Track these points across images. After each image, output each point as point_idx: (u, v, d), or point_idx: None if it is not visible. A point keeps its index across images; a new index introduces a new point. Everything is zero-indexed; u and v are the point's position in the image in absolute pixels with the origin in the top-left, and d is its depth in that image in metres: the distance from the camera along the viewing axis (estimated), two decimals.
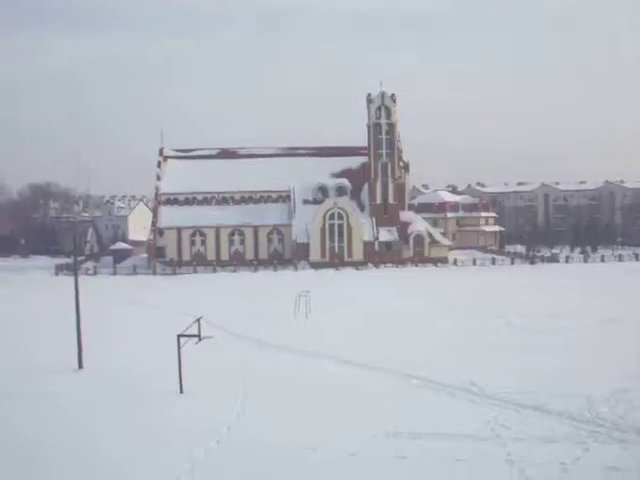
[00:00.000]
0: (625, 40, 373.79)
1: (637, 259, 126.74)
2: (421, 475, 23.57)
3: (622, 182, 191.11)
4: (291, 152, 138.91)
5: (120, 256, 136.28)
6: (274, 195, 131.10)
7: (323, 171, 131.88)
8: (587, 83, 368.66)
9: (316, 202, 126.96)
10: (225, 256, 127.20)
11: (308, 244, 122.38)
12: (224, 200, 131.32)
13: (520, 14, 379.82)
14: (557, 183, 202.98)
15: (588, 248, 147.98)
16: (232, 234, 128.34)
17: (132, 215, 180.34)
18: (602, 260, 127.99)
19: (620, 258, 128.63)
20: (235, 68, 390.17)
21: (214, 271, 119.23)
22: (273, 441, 26.83)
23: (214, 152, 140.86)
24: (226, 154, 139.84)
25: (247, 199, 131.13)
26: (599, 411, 30.35)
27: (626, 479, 23.05)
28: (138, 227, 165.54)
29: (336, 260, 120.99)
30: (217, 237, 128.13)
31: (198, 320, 37.24)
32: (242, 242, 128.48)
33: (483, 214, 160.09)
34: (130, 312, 67.11)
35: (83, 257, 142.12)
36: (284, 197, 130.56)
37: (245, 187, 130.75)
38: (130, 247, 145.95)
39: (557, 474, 23.36)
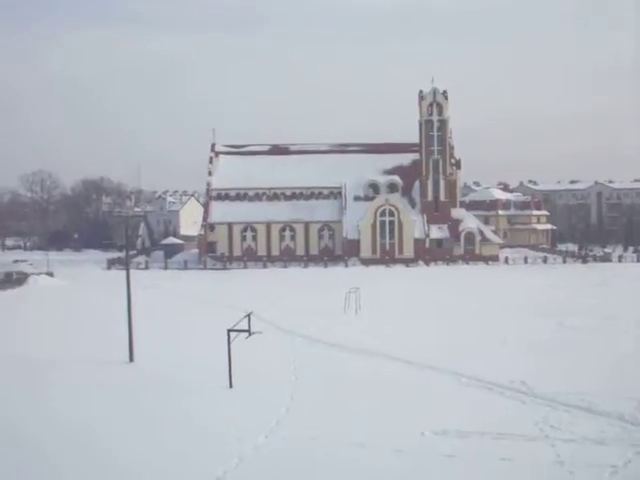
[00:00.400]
0: None
1: None
2: (468, 474, 23.56)
3: None
4: (342, 149, 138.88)
5: (171, 251, 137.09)
6: (325, 191, 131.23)
7: (374, 168, 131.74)
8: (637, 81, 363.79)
9: (367, 199, 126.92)
10: (276, 252, 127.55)
11: (359, 240, 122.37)
12: (275, 196, 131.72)
13: (580, 15, 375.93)
14: (611, 181, 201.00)
15: None
16: (283, 230, 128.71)
17: (183, 210, 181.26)
18: None
19: None
20: (287, 65, 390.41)
21: (264, 266, 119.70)
22: (321, 436, 26.94)
23: (265, 148, 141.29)
24: (277, 150, 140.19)
25: (298, 195, 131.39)
26: None
27: None
28: (189, 222, 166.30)
29: (386, 257, 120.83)
30: (268, 233, 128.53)
31: (248, 315, 37.49)
32: (293, 238, 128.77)
33: (535, 212, 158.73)
34: (181, 307, 67.62)
35: (135, 251, 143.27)
36: (335, 193, 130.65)
37: (296, 183, 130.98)
38: (181, 242, 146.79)
39: (607, 476, 23.23)
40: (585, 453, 25.30)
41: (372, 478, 23.31)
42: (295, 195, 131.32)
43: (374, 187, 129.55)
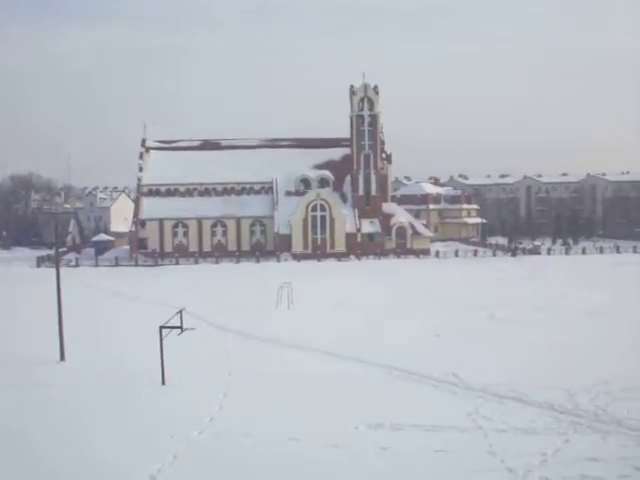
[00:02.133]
0: (607, 36, 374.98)
1: (618, 251, 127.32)
2: (403, 467, 23.73)
3: (604, 175, 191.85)
4: (273, 144, 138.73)
5: (102, 248, 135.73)
6: (256, 187, 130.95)
7: (305, 163, 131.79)
8: (569, 78, 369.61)
9: (298, 194, 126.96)
10: (207, 247, 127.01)
11: (290, 235, 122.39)
12: (206, 191, 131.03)
13: (508, 12, 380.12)
14: (539, 176, 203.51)
15: (569, 240, 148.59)
16: (214, 225, 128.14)
17: (114, 206, 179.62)
18: (583, 252, 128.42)
19: (601, 250, 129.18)
20: (220, 61, 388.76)
21: (196, 262, 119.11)
22: (255, 432, 26.90)
23: (196, 143, 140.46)
24: (208, 145, 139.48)
25: (229, 190, 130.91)
26: (579, 403, 30.63)
27: (605, 469, 23.28)
28: (120, 219, 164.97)
29: (318, 251, 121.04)
30: (199, 228, 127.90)
31: (180, 312, 37.31)
32: (224, 233, 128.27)
33: (465, 206, 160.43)
34: (112, 304, 66.93)
35: (65, 249, 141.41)
36: (266, 189, 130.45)
37: (227, 178, 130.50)
38: (112, 239, 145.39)
39: (537, 464, 23.60)
40: (516, 443, 25.68)
41: (307, 472, 23.34)
42: (226, 190, 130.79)
43: (305, 182, 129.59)
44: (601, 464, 23.67)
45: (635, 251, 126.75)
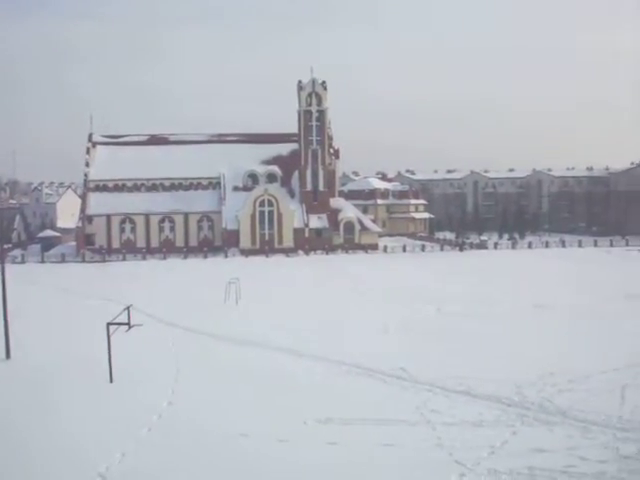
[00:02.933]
0: (550, 29, 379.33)
1: (563, 246, 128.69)
2: (351, 461, 23.83)
3: (549, 170, 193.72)
4: (221, 139, 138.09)
5: (48, 244, 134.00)
6: (204, 182, 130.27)
7: (253, 158, 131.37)
8: (514, 74, 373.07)
9: (246, 189, 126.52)
10: (155, 243, 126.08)
11: (238, 231, 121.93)
12: (154, 187, 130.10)
13: (456, 9, 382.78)
14: (486, 171, 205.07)
15: (516, 235, 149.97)
16: (162, 221, 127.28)
17: (60, 202, 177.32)
18: (529, 247, 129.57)
19: (547, 245, 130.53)
20: (166, 55, 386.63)
21: (144, 258, 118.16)
22: (204, 429, 26.87)
23: (143, 138, 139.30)
24: (156, 140, 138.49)
25: (177, 186, 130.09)
26: (526, 395, 30.98)
27: (551, 460, 23.57)
28: (67, 214, 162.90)
29: (266, 247, 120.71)
30: (147, 224, 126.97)
31: (128, 308, 37.08)
32: (172, 229, 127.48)
33: (413, 201, 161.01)
34: (59, 301, 66.24)
35: (10, 245, 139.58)
36: (214, 184, 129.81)
37: (175, 174, 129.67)
38: (59, 235, 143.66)
39: (486, 456, 23.84)
40: (464, 435, 25.92)
41: (256, 468, 23.34)
42: (174, 186, 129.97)
43: (253, 177, 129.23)
44: (548, 455, 23.98)
45: (580, 245, 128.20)
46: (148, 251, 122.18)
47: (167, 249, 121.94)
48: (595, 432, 26.41)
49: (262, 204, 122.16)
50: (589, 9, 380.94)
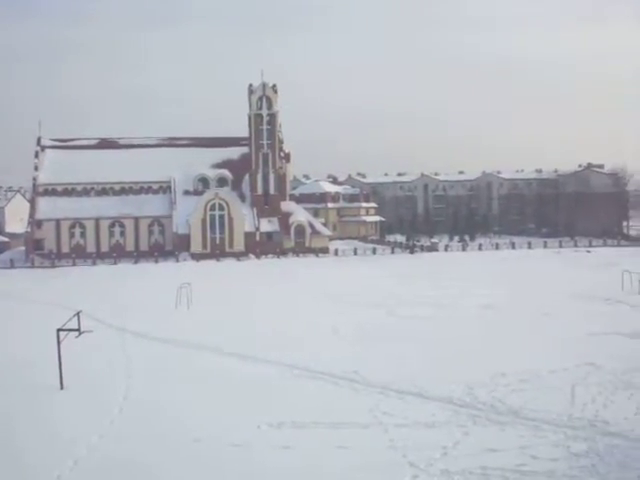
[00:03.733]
0: (498, 35, 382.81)
1: (513, 247, 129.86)
2: (305, 465, 23.83)
3: (499, 173, 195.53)
4: (171, 142, 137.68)
5: None
6: (155, 186, 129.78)
7: (204, 162, 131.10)
8: (461, 77, 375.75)
9: (197, 193, 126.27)
10: (105, 248, 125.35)
11: (189, 235, 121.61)
12: (104, 191, 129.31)
13: (402, 12, 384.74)
14: (436, 174, 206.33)
15: (466, 237, 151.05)
16: (112, 225, 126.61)
17: (9, 207, 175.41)
18: (480, 249, 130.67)
19: (497, 246, 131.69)
20: (116, 58, 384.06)
21: (94, 263, 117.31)
22: (156, 435, 26.68)
23: (93, 142, 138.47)
24: (106, 144, 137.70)
25: (127, 190, 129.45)
26: (478, 395, 31.21)
27: (503, 459, 23.77)
28: (15, 219, 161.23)
29: (217, 251, 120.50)
30: (97, 229, 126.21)
31: (78, 314, 36.72)
32: (122, 234, 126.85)
33: (364, 204, 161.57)
34: (7, 307, 65.43)
35: None
36: (165, 188, 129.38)
37: (125, 178, 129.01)
38: (7, 240, 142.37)
39: (438, 457, 23.97)
40: (417, 437, 26.02)
41: (209, 474, 23.25)
42: (124, 190, 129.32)
43: (204, 181, 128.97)
44: (500, 454, 24.16)
45: (530, 247, 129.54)
46: (98, 256, 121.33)
47: (118, 254, 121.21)
48: (546, 431, 26.66)
49: (213, 208, 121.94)
50: (521, 10, 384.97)
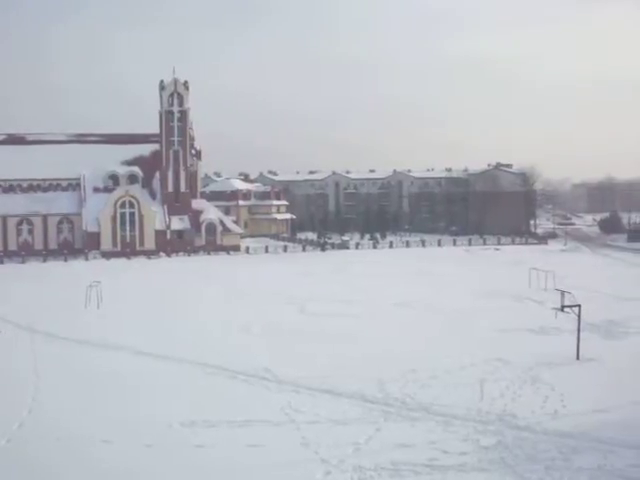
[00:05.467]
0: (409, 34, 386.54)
1: (424, 245, 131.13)
2: (218, 463, 23.80)
3: (409, 171, 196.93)
4: (81, 139, 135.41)
5: None
6: (64, 183, 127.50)
7: (114, 159, 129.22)
8: (375, 78, 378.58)
9: (107, 190, 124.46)
10: (13, 246, 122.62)
11: (99, 233, 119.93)
12: (11, 188, 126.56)
13: (325, 12, 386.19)
14: (347, 172, 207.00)
15: (377, 235, 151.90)
16: (20, 223, 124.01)
17: None
18: (390, 246, 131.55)
19: (408, 244, 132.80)
20: (24, 53, 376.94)
21: (1, 262, 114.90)
22: (67, 436, 26.34)
23: (0, 138, 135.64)
24: (13, 140, 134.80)
25: (35, 187, 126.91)
26: (389, 392, 31.53)
27: (415, 454, 24.07)
28: None
29: (128, 249, 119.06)
30: (4, 226, 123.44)
31: None
32: (30, 232, 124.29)
33: (275, 202, 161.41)
34: None
35: None
36: (74, 185, 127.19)
37: (33, 174, 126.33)
38: None
39: (350, 453, 24.15)
40: (329, 434, 26.20)
41: (121, 475, 23.08)
42: (32, 187, 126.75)
43: (114, 178, 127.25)
44: (411, 449, 24.50)
45: (440, 244, 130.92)
46: (5, 254, 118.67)
47: (26, 252, 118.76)
48: (456, 426, 27.12)
49: (123, 205, 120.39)
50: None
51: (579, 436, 25.94)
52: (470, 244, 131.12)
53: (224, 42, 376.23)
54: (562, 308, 40.64)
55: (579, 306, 39.49)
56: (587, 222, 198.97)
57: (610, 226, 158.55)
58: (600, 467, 23.20)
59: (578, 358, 38.14)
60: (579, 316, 38.87)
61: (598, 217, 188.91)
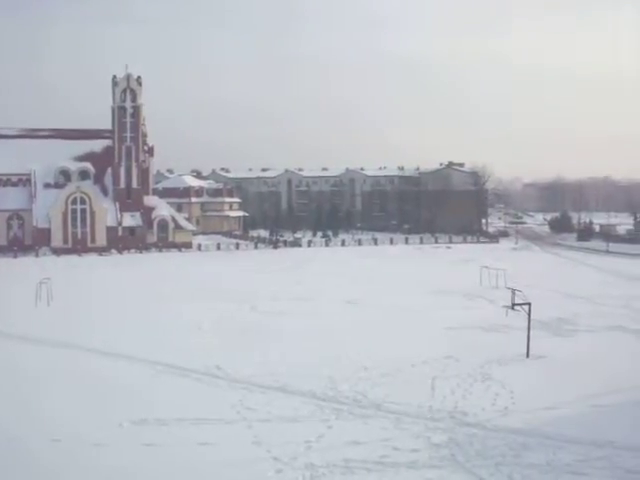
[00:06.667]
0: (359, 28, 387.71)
1: (376, 243, 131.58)
2: (168, 462, 23.70)
3: (362, 169, 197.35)
4: (31, 133, 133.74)
5: None
6: (14, 178, 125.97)
7: (65, 154, 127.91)
8: (327, 76, 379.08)
9: (58, 186, 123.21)
10: None
11: (50, 230, 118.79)
12: None
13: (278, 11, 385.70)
14: (300, 169, 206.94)
15: (329, 232, 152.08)
16: None
17: None
18: (343, 244, 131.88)
19: (360, 242, 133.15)
20: None
21: None
22: (15, 436, 26.05)
23: None
24: None
25: None
26: (341, 389, 31.62)
27: (366, 452, 24.16)
28: None
29: (79, 246, 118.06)
30: None
31: None
32: None
33: (227, 199, 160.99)
34: None
35: None
36: (24, 181, 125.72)
37: None
38: None
39: (302, 451, 24.17)
40: (281, 432, 26.20)
41: (69, 475, 22.88)
42: None
43: (65, 174, 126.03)
44: (363, 447, 24.58)
45: (392, 243, 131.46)
46: None
47: None
48: (408, 423, 27.25)
49: (74, 202, 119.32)
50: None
51: (529, 432, 26.21)
52: (422, 242, 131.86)
53: (178, 38, 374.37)
54: (512, 306, 41.00)
55: (529, 304, 39.85)
56: (538, 221, 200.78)
57: (560, 225, 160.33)
58: (549, 463, 23.46)
59: (528, 355, 38.52)
60: (529, 314, 39.23)
61: (549, 216, 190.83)
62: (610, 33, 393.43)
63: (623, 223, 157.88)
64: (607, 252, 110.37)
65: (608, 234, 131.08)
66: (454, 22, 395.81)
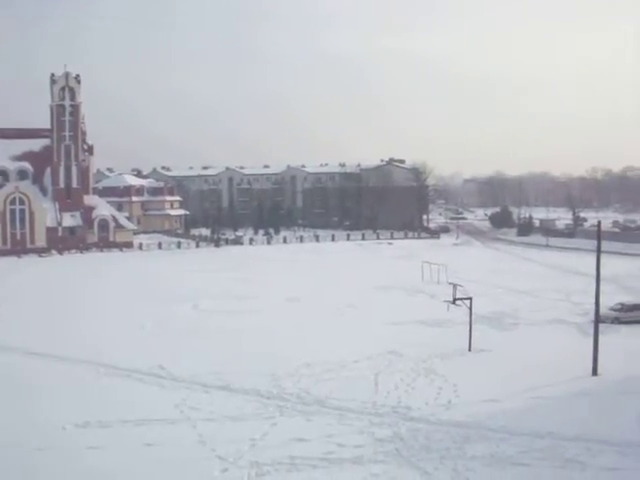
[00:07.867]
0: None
1: (317, 240, 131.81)
2: (113, 464, 23.54)
3: (303, 167, 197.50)
4: None
5: None
6: None
7: (3, 154, 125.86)
8: (265, 73, 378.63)
9: None
10: None
11: None
12: None
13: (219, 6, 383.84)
14: (241, 167, 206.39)
15: (271, 230, 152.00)
16: None
17: None
18: (284, 241, 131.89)
19: (302, 239, 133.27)
20: None
21: None
22: None
23: None
24: None
25: None
26: (284, 387, 31.66)
27: (311, 448, 24.24)
28: None
29: (18, 247, 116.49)
30: None
31: None
32: None
33: (168, 198, 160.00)
34: None
35: None
36: None
37: None
38: None
39: (247, 450, 24.16)
40: (225, 430, 26.19)
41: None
42: None
43: (3, 174, 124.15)
44: (307, 444, 24.65)
45: (334, 239, 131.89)
46: None
47: None
48: (351, 419, 27.38)
49: (13, 202, 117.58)
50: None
51: (472, 425, 26.52)
52: (363, 238, 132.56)
53: (115, 37, 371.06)
54: (454, 301, 41.43)
55: (470, 299, 40.26)
56: (478, 216, 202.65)
57: (501, 220, 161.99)
58: (492, 455, 23.76)
59: (470, 349, 38.94)
60: (470, 308, 39.64)
61: (489, 211, 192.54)
62: (533, 32, 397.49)
63: (562, 218, 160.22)
64: (547, 246, 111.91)
65: (547, 229, 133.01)
66: (392, 21, 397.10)
